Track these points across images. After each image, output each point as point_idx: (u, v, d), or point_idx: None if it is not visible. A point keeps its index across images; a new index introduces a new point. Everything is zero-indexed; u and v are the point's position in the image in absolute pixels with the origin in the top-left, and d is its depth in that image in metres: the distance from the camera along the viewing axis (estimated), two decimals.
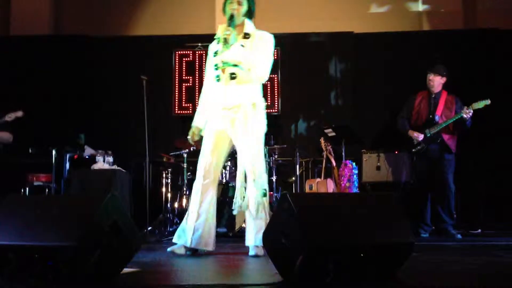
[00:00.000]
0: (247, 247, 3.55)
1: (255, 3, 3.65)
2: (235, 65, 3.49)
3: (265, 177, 3.58)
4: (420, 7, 7.61)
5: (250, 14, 3.61)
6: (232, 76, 3.49)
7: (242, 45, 3.49)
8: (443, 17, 7.38)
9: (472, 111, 5.04)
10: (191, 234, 3.53)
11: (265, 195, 3.52)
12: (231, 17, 3.49)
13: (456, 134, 5.29)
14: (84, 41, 7.31)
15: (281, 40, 7.18)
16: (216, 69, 3.55)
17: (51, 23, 7.74)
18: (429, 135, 5.23)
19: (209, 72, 3.69)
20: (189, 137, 3.72)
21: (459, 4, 7.40)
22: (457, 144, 5.31)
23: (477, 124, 5.51)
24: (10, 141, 5.60)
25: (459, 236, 5.11)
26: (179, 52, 7.11)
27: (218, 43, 3.57)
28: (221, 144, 3.61)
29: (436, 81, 5.33)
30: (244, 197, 3.52)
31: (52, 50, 7.25)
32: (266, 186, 3.58)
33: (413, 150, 5.33)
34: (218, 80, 3.55)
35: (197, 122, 3.71)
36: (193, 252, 3.59)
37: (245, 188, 3.54)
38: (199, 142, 3.70)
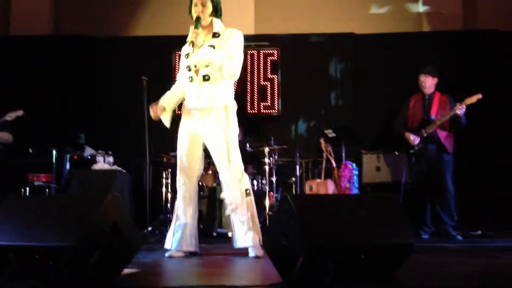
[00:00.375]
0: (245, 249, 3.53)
1: (220, 1, 3.64)
2: (207, 66, 3.48)
3: (246, 177, 3.56)
4: (420, 8, 7.62)
5: (216, 13, 3.61)
6: (205, 78, 3.49)
7: (212, 45, 3.49)
8: (443, 18, 7.38)
9: (465, 106, 5.06)
10: (171, 237, 3.55)
11: (247, 194, 3.50)
12: (197, 19, 3.51)
13: (452, 133, 5.31)
14: (84, 41, 7.31)
15: (281, 41, 7.22)
16: (189, 70, 3.55)
17: (51, 23, 7.74)
18: (425, 134, 5.25)
19: (181, 73, 3.69)
20: (151, 112, 3.68)
21: (459, 5, 7.40)
22: (455, 144, 5.33)
23: (475, 124, 5.52)
24: (10, 142, 5.60)
25: (459, 237, 5.11)
26: (179, 52, 7.08)
27: (189, 45, 3.57)
28: (195, 145, 3.59)
29: (428, 82, 5.37)
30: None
31: (52, 50, 7.25)
32: (248, 186, 3.56)
33: (411, 151, 5.34)
34: (191, 81, 3.55)
35: (161, 102, 3.70)
36: (190, 254, 3.58)
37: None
38: (159, 119, 3.69)
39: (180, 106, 3.85)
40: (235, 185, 3.48)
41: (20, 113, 5.63)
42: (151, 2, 7.91)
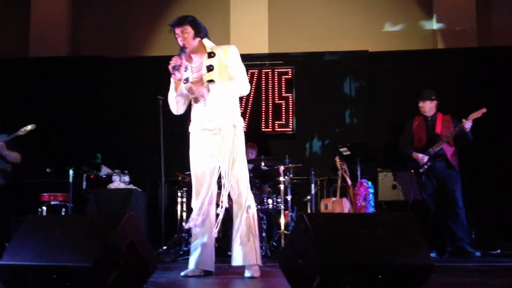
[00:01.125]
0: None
1: (198, 21, 3.64)
2: (210, 81, 3.47)
3: (250, 195, 3.55)
4: (435, 25, 7.61)
5: (201, 33, 3.60)
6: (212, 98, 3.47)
7: (210, 66, 3.51)
8: (457, 35, 7.36)
9: (471, 121, 5.13)
10: (191, 256, 3.56)
11: (247, 210, 3.48)
12: (182, 49, 3.51)
13: (457, 151, 5.37)
14: (101, 62, 7.43)
15: (295, 59, 7.26)
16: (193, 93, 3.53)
17: (68, 45, 7.89)
18: (432, 153, 5.32)
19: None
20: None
21: (473, 22, 7.38)
22: (463, 163, 5.41)
23: (490, 142, 5.47)
24: (18, 161, 5.60)
25: (477, 253, 5.05)
26: None
27: (185, 70, 3.56)
28: (206, 165, 3.54)
29: (427, 106, 5.51)
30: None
31: (69, 71, 7.36)
32: (251, 203, 3.54)
33: (420, 170, 5.38)
34: (196, 102, 3.56)
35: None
36: (206, 273, 3.57)
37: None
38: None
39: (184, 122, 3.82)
40: (239, 204, 3.50)
41: (32, 127, 5.64)
42: (167, 22, 7.99)
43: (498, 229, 6.24)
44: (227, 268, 4.02)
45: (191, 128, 3.65)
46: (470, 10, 7.38)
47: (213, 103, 3.49)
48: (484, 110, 5.18)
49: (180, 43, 3.54)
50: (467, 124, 5.15)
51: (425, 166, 5.34)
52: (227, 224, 5.33)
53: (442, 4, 7.55)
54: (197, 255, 3.53)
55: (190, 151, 3.64)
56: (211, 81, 3.47)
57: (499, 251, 5.50)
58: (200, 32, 3.59)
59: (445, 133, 5.33)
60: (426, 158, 5.33)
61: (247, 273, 3.44)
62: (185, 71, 3.61)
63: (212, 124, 3.50)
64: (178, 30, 3.55)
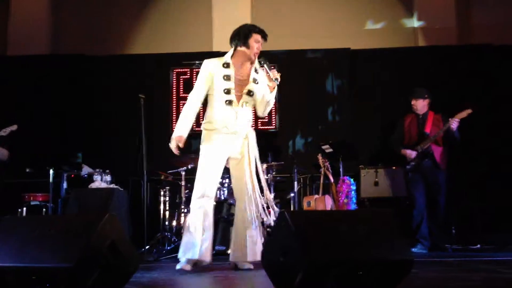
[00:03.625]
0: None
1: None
2: (250, 95, 3.78)
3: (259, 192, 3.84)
4: (415, 23, 7.69)
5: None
6: (246, 104, 3.79)
7: (256, 80, 3.82)
8: (438, 33, 7.44)
9: (458, 120, 5.20)
10: (199, 248, 3.66)
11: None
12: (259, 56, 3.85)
13: (445, 150, 5.44)
14: (82, 60, 7.34)
15: (278, 57, 7.25)
16: (227, 93, 3.71)
17: (49, 43, 7.78)
18: (421, 150, 5.37)
19: (205, 91, 3.79)
20: (173, 147, 3.75)
21: (453, 20, 7.48)
22: (449, 160, 5.46)
23: (471, 138, 5.53)
24: (6, 158, 5.55)
25: (450, 249, 5.22)
26: (177, 70, 7.14)
27: (226, 67, 3.75)
28: (221, 165, 3.78)
29: (419, 105, 5.54)
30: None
31: (50, 69, 7.27)
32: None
33: (408, 167, 5.42)
34: (228, 104, 3.73)
35: (182, 132, 3.75)
36: (193, 265, 3.70)
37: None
38: (181, 152, 3.80)
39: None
40: (257, 203, 3.77)
41: (14, 127, 5.60)
42: (149, 21, 7.96)
43: (478, 224, 6.35)
44: (211, 267, 4.02)
45: (210, 127, 3.77)
46: (450, 8, 7.48)
47: (244, 110, 3.79)
48: (469, 111, 5.24)
49: (256, 50, 3.81)
50: (454, 124, 5.21)
51: (412, 163, 5.39)
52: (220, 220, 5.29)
53: (422, 2, 7.63)
54: (204, 247, 3.67)
55: (208, 148, 3.75)
56: (250, 92, 3.79)
57: (478, 246, 5.59)
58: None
59: (434, 131, 5.39)
60: (414, 154, 5.38)
61: (244, 266, 3.69)
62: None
63: (239, 127, 3.76)
64: (261, 40, 3.85)
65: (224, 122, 3.73)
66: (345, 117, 7.15)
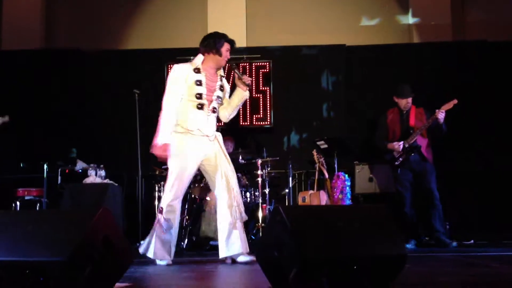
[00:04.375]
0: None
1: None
2: (218, 101, 3.95)
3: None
4: (410, 20, 7.70)
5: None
6: (214, 110, 3.93)
7: (222, 86, 3.99)
8: (432, 30, 7.46)
9: (444, 112, 5.20)
10: (174, 248, 3.87)
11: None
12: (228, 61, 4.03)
13: (430, 143, 5.42)
14: (76, 55, 7.30)
15: (273, 53, 7.26)
16: (199, 98, 3.82)
17: (43, 37, 7.74)
18: (407, 145, 5.34)
19: (181, 95, 3.86)
20: (159, 154, 3.80)
21: (448, 17, 7.49)
22: (436, 156, 5.45)
23: (464, 135, 5.52)
24: None
25: (454, 244, 5.15)
26: (172, 64, 7.09)
27: (197, 72, 3.86)
28: (196, 167, 3.92)
29: (403, 103, 5.51)
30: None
31: (44, 64, 7.23)
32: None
33: (396, 163, 5.41)
34: (199, 108, 3.84)
35: (167, 138, 3.79)
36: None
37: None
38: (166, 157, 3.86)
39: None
40: (239, 198, 3.90)
41: (6, 119, 5.56)
42: (144, 16, 7.93)
43: (472, 220, 6.38)
44: (205, 262, 4.01)
45: (182, 131, 3.84)
46: (445, 5, 7.50)
47: (214, 115, 3.96)
48: (455, 101, 5.24)
49: (226, 58, 3.96)
50: (440, 115, 5.19)
51: (400, 159, 5.36)
52: (207, 217, 5.33)
53: None
54: (172, 245, 3.84)
55: (180, 150, 3.81)
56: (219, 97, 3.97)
57: (472, 241, 5.61)
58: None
59: (418, 125, 5.38)
60: (402, 146, 5.33)
61: (244, 258, 3.81)
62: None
63: (210, 130, 3.90)
64: (230, 49, 3.97)
65: (197, 125, 3.84)
66: (340, 113, 7.16)
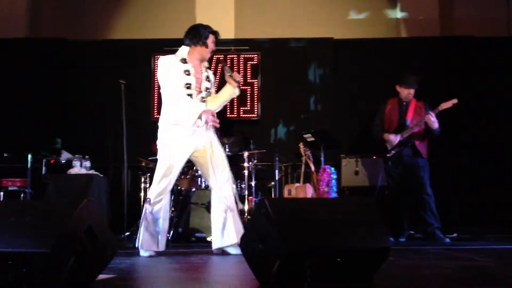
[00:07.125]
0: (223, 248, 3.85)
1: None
2: (207, 91, 3.96)
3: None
4: (398, 14, 7.73)
5: None
6: (203, 100, 3.91)
7: (208, 77, 4.00)
8: (420, 24, 7.49)
9: (434, 115, 5.11)
10: (160, 240, 3.83)
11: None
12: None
13: (426, 139, 5.37)
14: (61, 44, 7.21)
15: (261, 45, 7.24)
16: (188, 88, 3.82)
17: (27, 26, 7.61)
18: (401, 138, 5.30)
19: (179, 84, 3.83)
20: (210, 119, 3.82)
21: (436, 11, 7.53)
22: (429, 150, 5.39)
23: (453, 129, 5.56)
24: None
25: (447, 240, 5.14)
26: (158, 56, 7.03)
27: (184, 62, 3.86)
28: (186, 159, 3.91)
29: (404, 93, 5.37)
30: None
31: (28, 53, 7.12)
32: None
33: (388, 155, 5.37)
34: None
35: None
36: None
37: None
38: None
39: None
40: (232, 188, 3.93)
41: None
42: (130, 6, 7.86)
43: (455, 213, 6.46)
44: (190, 254, 4.01)
45: (173, 122, 3.83)
46: (433, 0, 7.53)
47: (202, 104, 3.91)
48: (455, 100, 5.12)
49: (211, 49, 3.96)
50: (430, 118, 5.07)
51: (393, 151, 5.30)
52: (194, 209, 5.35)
53: None
54: (160, 237, 3.82)
55: (171, 141, 3.83)
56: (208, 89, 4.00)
57: (455, 235, 5.66)
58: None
59: (415, 120, 5.29)
60: (398, 139, 5.27)
61: (234, 250, 3.80)
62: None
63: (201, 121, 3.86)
64: (215, 41, 3.97)
65: (188, 115, 3.80)
66: (327, 106, 7.18)
